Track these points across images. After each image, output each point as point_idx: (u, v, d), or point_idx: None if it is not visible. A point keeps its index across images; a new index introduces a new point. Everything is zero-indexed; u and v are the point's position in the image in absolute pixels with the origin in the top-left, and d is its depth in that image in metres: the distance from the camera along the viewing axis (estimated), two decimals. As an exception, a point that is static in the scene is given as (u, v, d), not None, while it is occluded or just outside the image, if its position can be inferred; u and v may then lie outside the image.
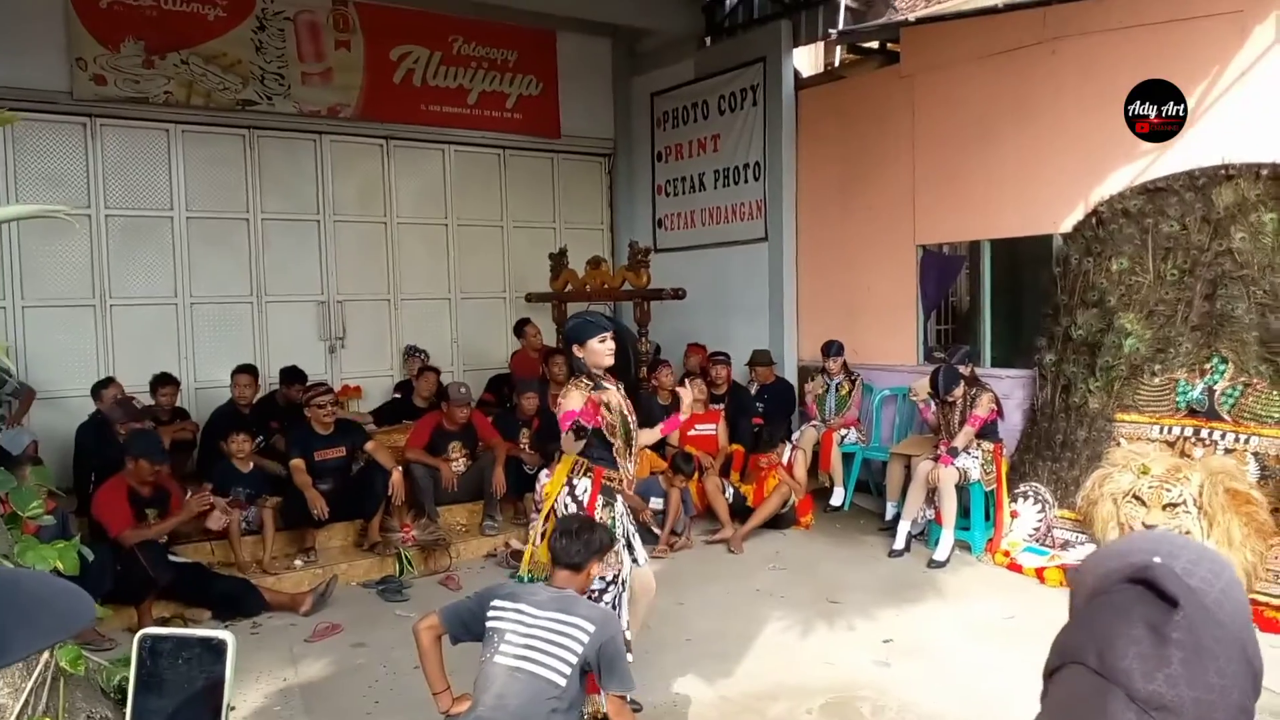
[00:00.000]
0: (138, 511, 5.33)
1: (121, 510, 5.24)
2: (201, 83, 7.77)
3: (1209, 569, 0.92)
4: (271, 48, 8.06)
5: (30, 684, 2.49)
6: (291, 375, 7.47)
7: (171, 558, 5.40)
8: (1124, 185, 6.28)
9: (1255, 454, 5.50)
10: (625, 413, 3.93)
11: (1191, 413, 5.82)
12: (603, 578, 3.77)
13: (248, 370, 7.23)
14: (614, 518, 3.82)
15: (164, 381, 7.07)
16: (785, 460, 6.99)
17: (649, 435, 4.29)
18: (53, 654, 2.55)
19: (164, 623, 4.95)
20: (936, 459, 6.25)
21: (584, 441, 3.68)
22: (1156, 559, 0.92)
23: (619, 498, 3.91)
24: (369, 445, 6.40)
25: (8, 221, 6.10)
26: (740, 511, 6.85)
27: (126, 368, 7.39)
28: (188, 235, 7.91)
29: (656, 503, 6.70)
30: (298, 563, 6.02)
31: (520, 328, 8.69)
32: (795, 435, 7.55)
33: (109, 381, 6.78)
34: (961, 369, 6.41)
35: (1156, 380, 6.00)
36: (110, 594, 4.70)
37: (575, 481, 3.84)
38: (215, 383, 7.68)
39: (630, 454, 3.96)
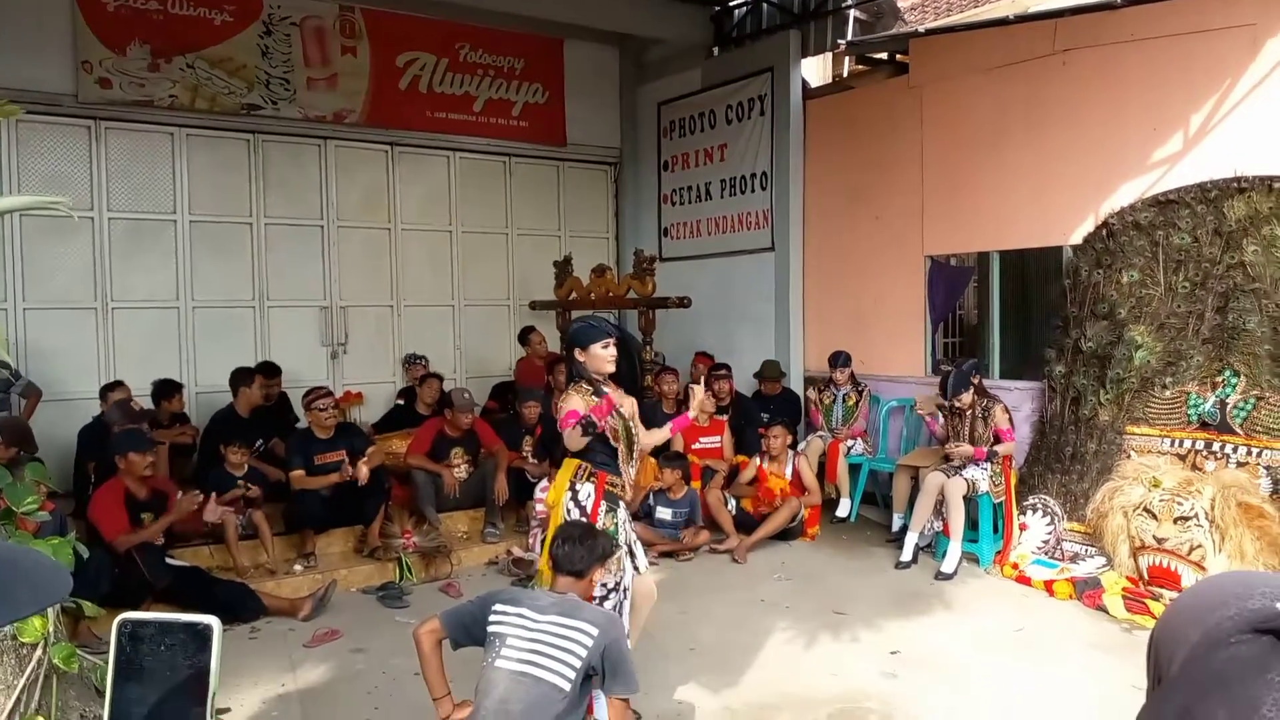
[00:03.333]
0: (134, 515, 5.25)
1: (117, 514, 5.18)
2: (207, 87, 7.75)
3: None
4: (277, 53, 8.05)
5: (23, 681, 2.43)
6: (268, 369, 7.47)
7: (170, 561, 5.33)
8: (1135, 197, 6.23)
9: (1268, 468, 5.44)
10: (626, 417, 3.88)
11: (1203, 426, 5.76)
12: (604, 584, 3.70)
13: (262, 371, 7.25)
14: (616, 524, 3.77)
15: (172, 390, 6.98)
16: (789, 471, 6.92)
17: (659, 434, 4.24)
18: (46, 651, 2.49)
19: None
20: (951, 470, 6.17)
21: (589, 438, 3.63)
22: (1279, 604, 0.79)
23: (621, 504, 3.86)
24: (370, 450, 6.33)
25: (8, 212, 6.06)
26: (745, 524, 6.77)
27: (127, 371, 7.33)
28: (191, 239, 7.87)
29: (665, 513, 6.64)
30: (297, 567, 5.95)
31: (525, 335, 8.64)
32: (801, 445, 7.49)
33: (117, 384, 6.72)
34: (971, 380, 6.34)
35: (1167, 393, 5.95)
36: (107, 596, 4.62)
37: (578, 487, 3.79)
38: (216, 387, 7.60)
39: (632, 459, 3.91)
